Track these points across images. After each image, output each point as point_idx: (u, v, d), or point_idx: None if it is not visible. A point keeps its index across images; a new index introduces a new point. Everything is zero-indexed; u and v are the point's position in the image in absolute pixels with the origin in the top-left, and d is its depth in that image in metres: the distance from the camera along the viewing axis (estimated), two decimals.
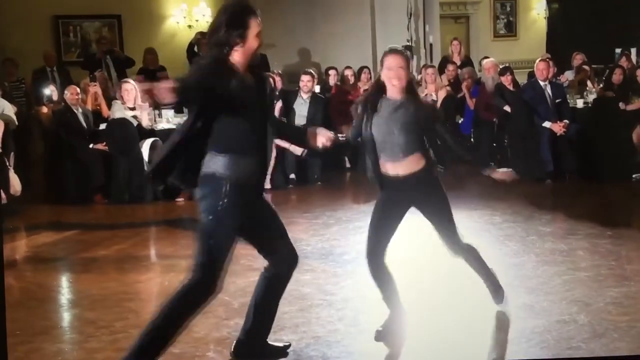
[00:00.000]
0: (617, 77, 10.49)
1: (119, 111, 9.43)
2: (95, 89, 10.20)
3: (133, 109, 9.50)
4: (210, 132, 3.77)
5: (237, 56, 3.78)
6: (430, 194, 4.41)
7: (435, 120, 4.41)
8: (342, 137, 4.62)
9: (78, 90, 9.73)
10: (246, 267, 5.87)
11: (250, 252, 6.40)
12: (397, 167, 4.32)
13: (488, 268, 4.63)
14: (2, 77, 11.43)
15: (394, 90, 4.31)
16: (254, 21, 3.78)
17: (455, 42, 12.83)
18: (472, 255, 4.57)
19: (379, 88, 4.38)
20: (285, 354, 4.18)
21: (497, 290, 4.64)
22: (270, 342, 4.16)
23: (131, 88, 9.59)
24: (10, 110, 9.88)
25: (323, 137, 4.07)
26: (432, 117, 4.41)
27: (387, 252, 4.42)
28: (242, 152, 3.77)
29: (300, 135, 4.35)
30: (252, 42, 3.78)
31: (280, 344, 4.23)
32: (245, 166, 3.79)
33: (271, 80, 3.98)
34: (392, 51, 4.36)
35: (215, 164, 3.77)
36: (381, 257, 4.40)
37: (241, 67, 3.80)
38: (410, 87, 4.38)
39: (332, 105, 10.87)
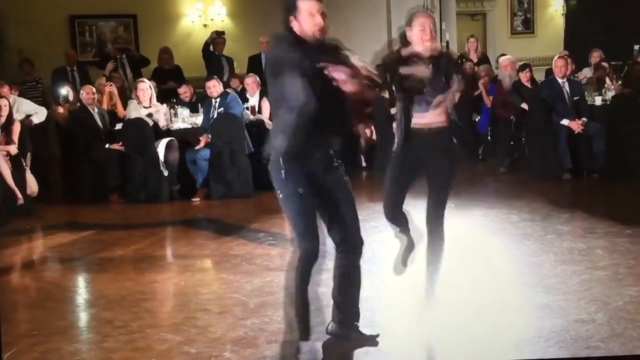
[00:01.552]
0: (635, 73, 10.41)
1: (134, 111, 9.48)
2: (110, 88, 10.26)
3: (149, 108, 9.55)
4: None
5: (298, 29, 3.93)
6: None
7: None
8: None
9: (94, 90, 9.78)
10: (262, 267, 5.92)
11: (266, 251, 6.49)
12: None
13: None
14: (19, 76, 11.54)
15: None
16: (304, 2, 3.89)
17: (471, 40, 12.81)
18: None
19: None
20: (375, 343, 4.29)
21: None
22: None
23: (147, 87, 9.64)
24: (30, 107, 10.00)
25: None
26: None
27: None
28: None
29: None
30: (304, 20, 3.89)
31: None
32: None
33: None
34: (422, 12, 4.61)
35: None
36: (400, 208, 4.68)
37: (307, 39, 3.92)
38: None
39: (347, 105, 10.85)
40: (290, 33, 3.95)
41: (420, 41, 4.50)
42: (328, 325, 4.38)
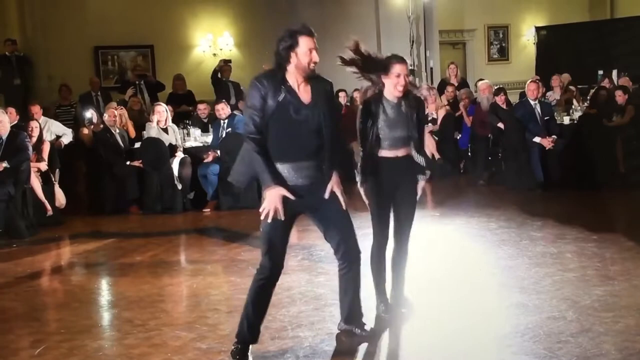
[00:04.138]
0: (602, 97, 10.45)
1: (152, 130, 9.49)
2: (121, 111, 10.20)
3: (165, 129, 9.56)
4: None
5: (290, 70, 3.89)
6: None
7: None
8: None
9: (115, 113, 9.77)
10: None
11: None
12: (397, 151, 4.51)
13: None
14: (48, 100, 11.56)
15: (397, 93, 4.46)
16: (303, 39, 3.87)
17: (452, 66, 12.85)
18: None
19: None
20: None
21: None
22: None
23: (163, 110, 9.65)
24: (59, 128, 10.03)
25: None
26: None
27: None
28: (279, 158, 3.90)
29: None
30: (302, 57, 3.86)
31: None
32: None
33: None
34: (401, 60, 4.48)
35: None
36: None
37: (295, 80, 3.90)
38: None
39: (343, 124, 10.86)
40: (279, 71, 3.91)
41: (395, 89, 4.44)
42: (339, 323, 4.33)
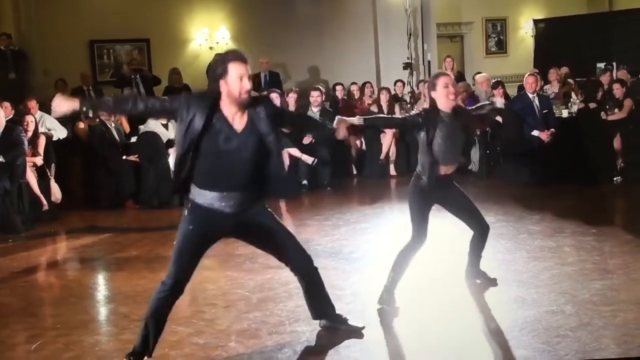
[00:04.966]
0: (599, 91, 10.45)
1: (151, 123, 9.50)
2: None
3: (165, 124, 9.58)
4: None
5: (226, 92, 3.76)
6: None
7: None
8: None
9: None
10: (264, 265, 5.88)
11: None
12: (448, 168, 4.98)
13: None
14: (43, 95, 11.51)
15: (450, 103, 4.77)
16: (233, 65, 3.73)
17: (448, 60, 12.83)
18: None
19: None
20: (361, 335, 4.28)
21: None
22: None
23: None
24: (53, 123, 10.01)
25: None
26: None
27: None
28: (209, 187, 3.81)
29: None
30: (232, 86, 3.73)
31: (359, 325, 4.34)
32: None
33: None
34: (443, 72, 4.89)
35: None
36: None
37: (228, 108, 3.76)
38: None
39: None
40: (212, 96, 3.78)
41: (447, 99, 4.73)
42: (319, 320, 4.35)
